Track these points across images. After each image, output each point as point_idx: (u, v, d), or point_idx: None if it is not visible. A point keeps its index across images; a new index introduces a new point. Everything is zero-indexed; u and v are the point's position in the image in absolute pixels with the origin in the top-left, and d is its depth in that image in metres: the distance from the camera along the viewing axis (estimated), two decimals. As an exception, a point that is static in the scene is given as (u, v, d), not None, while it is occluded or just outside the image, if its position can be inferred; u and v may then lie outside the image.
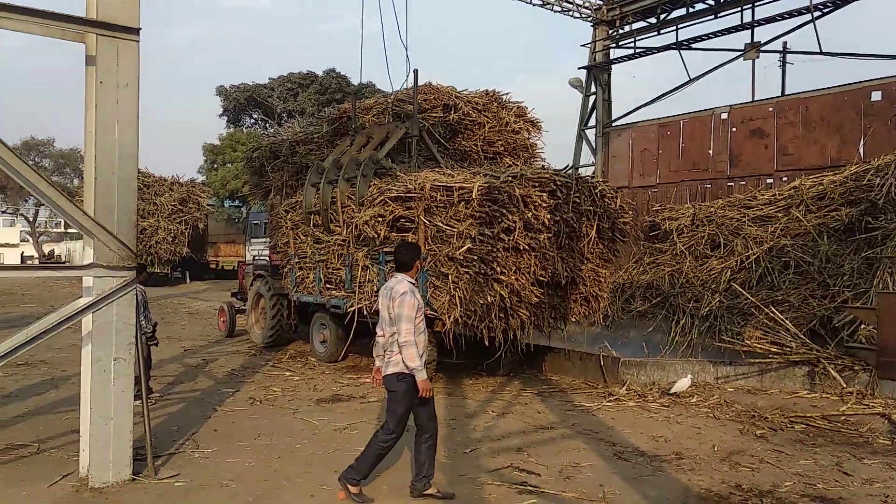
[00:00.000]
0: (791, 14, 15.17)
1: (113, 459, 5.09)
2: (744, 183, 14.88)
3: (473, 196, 7.60)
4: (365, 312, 9.15)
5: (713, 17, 16.79)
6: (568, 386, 9.18)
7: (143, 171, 27.00)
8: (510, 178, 7.82)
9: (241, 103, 40.55)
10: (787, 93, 16.47)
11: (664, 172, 16.78)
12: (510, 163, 10.70)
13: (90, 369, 5.05)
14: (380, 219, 8.61)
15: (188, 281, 30.15)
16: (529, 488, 5.17)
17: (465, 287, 7.66)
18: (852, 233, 10.59)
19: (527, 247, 7.77)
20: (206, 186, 33.18)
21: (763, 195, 12.85)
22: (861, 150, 13.21)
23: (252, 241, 15.50)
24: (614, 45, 19.34)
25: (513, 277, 7.74)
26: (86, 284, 5.11)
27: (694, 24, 17.33)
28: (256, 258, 14.14)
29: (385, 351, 4.95)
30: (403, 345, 4.75)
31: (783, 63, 21.17)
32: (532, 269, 7.86)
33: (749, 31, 15.98)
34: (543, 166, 10.27)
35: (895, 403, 7.75)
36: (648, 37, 18.46)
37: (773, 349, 8.95)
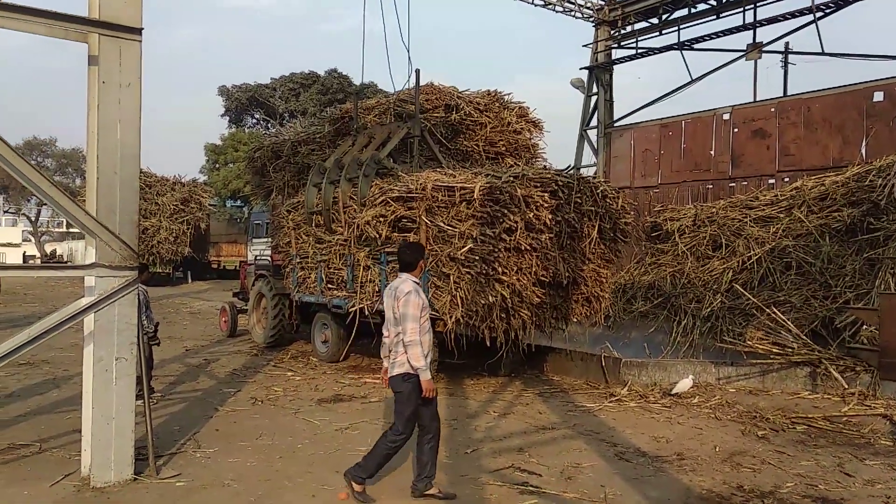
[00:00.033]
0: (793, 14, 15.15)
1: (115, 459, 5.10)
2: (745, 183, 14.87)
3: (475, 196, 7.60)
4: (366, 312, 9.16)
5: (715, 17, 16.78)
6: (569, 386, 9.17)
7: (145, 171, 27.03)
8: (512, 179, 7.82)
9: (242, 103, 40.58)
10: (789, 93, 16.48)
11: (666, 173, 16.76)
12: (512, 163, 10.70)
13: (92, 369, 5.06)
14: (381, 219, 8.62)
15: (190, 281, 30.18)
16: (531, 489, 5.17)
17: (466, 287, 7.67)
18: (854, 233, 10.57)
19: (528, 247, 7.77)
20: (208, 186, 33.20)
21: (765, 196, 12.83)
22: (863, 151, 13.20)
23: (254, 241, 15.52)
24: (616, 45, 19.33)
25: (514, 278, 7.73)
26: (88, 284, 5.12)
27: (696, 25, 17.32)
28: (258, 258, 14.15)
29: (390, 352, 4.95)
30: (409, 344, 4.75)
31: (785, 63, 21.19)
32: (533, 270, 7.85)
33: (751, 31, 15.96)
34: (545, 166, 10.27)
35: (897, 404, 7.74)
36: (650, 37, 18.44)
37: (774, 350, 8.94)
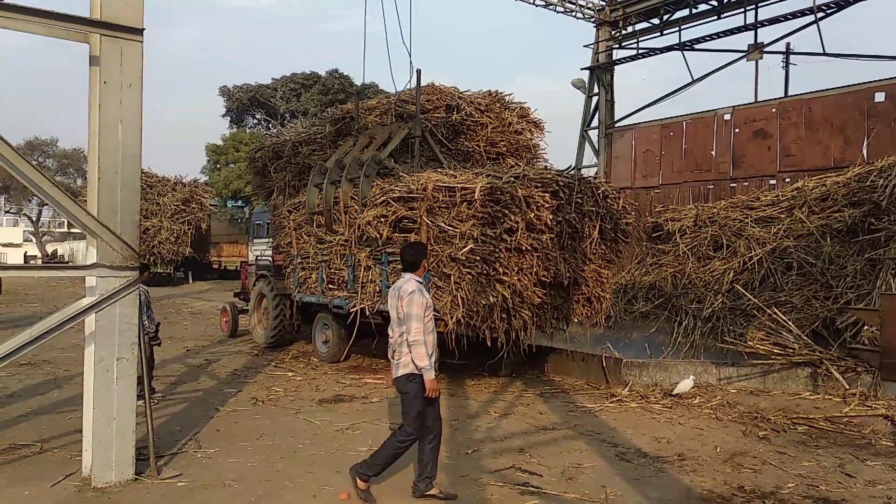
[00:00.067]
0: (794, 15, 15.16)
1: (115, 459, 5.10)
2: (747, 184, 14.86)
3: (476, 197, 7.60)
4: (367, 313, 9.16)
5: (716, 17, 16.78)
6: (570, 387, 9.17)
7: (146, 172, 27.07)
8: (513, 179, 7.82)
9: (244, 103, 40.65)
10: (790, 94, 16.44)
11: (667, 173, 16.76)
12: (513, 163, 10.70)
13: (93, 369, 5.07)
14: (382, 219, 8.62)
15: (191, 281, 30.19)
16: (531, 489, 5.17)
17: (467, 288, 7.67)
18: (855, 234, 10.56)
19: (529, 247, 7.77)
20: (209, 186, 33.26)
21: (766, 196, 12.82)
22: (864, 152, 13.19)
23: (255, 241, 15.53)
24: (617, 45, 19.33)
25: (515, 278, 7.73)
26: (89, 284, 5.13)
27: (697, 25, 17.34)
28: (259, 258, 14.16)
29: (394, 352, 4.95)
30: (413, 344, 4.74)
31: (786, 64, 21.15)
32: (534, 270, 7.85)
33: (752, 31, 15.97)
34: (546, 167, 10.26)
35: (898, 405, 7.73)
36: (651, 38, 18.44)
37: (775, 350, 8.93)
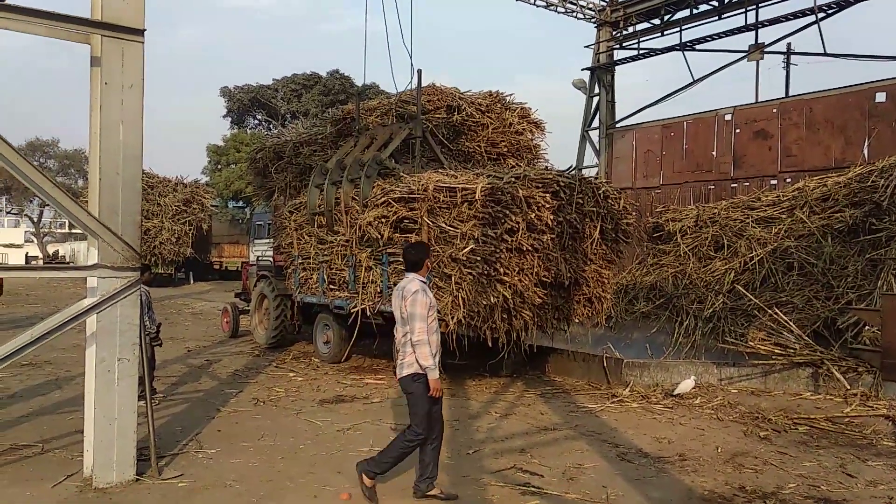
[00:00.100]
0: (795, 15, 15.15)
1: (117, 460, 5.11)
2: (747, 184, 14.85)
3: (477, 197, 7.60)
4: (368, 313, 9.17)
5: (717, 18, 16.76)
6: (571, 387, 9.17)
7: (147, 172, 27.10)
8: (513, 179, 7.82)
9: (245, 104, 40.69)
10: (791, 94, 16.44)
11: (668, 173, 16.75)
12: (513, 164, 10.70)
13: (94, 370, 5.07)
14: (383, 220, 8.62)
15: (192, 282, 30.21)
16: (532, 489, 5.17)
17: (468, 288, 7.67)
18: (856, 234, 10.56)
19: (530, 248, 7.77)
20: (210, 187, 33.27)
21: (767, 196, 12.82)
22: (865, 152, 13.18)
23: (256, 241, 15.54)
24: (618, 46, 19.32)
25: (516, 278, 7.73)
26: (90, 285, 5.13)
27: (698, 26, 17.30)
28: (260, 259, 14.16)
29: (398, 352, 4.95)
30: (417, 343, 4.74)
31: (787, 64, 21.18)
32: (535, 270, 7.85)
33: (753, 32, 15.95)
34: (547, 167, 10.26)
35: (899, 405, 7.73)
36: (652, 38, 18.42)
37: (776, 351, 8.93)
